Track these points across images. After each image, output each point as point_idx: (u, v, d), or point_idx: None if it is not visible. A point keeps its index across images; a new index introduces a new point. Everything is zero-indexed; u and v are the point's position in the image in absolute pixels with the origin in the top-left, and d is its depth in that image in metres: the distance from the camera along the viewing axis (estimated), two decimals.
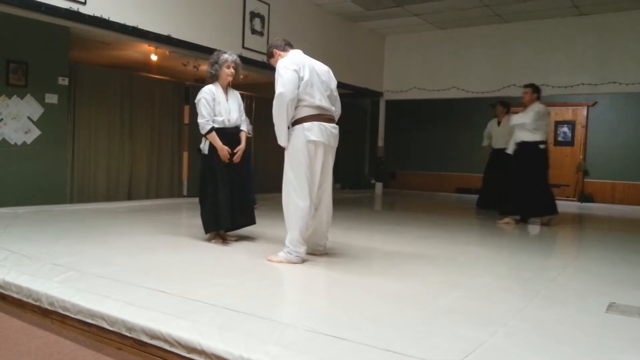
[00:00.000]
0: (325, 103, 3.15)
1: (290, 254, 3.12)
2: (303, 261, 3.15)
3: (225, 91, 3.71)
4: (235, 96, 3.78)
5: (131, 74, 6.99)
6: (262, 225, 4.52)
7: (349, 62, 8.39)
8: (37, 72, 5.48)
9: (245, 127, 3.81)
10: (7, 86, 5.25)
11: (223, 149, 3.58)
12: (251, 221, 3.86)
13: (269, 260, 3.19)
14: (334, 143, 3.23)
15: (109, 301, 2.15)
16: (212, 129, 3.58)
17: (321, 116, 3.12)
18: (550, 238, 4.63)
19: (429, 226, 5.40)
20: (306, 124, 3.07)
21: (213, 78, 3.69)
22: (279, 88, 3.03)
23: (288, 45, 3.31)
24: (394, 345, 1.76)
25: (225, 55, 3.65)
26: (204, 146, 3.68)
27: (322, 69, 3.25)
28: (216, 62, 3.65)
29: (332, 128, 3.19)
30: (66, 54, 5.79)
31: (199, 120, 3.61)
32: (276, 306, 2.36)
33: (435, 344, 1.82)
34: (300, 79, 3.05)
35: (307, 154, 3.07)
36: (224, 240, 3.75)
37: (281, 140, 3.12)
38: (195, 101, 3.67)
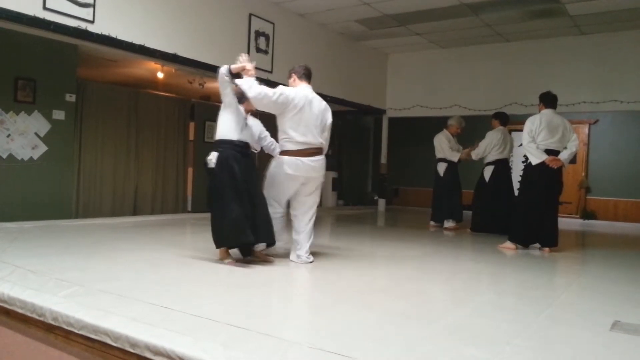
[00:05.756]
0: (311, 138, 3.54)
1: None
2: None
3: (246, 115, 3.65)
4: (254, 122, 3.77)
5: (137, 91, 7.09)
6: None
7: (352, 80, 8.48)
8: (45, 89, 5.56)
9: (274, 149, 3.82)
10: (15, 102, 5.33)
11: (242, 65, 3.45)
12: (270, 240, 3.57)
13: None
14: (315, 173, 3.61)
15: (113, 317, 2.15)
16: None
17: (303, 151, 3.52)
18: (553, 256, 4.62)
19: (432, 243, 5.40)
20: (286, 158, 3.53)
21: (240, 100, 3.57)
22: (274, 94, 3.41)
23: (305, 76, 3.69)
24: None
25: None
26: (212, 159, 3.45)
27: (320, 107, 3.62)
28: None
29: (311, 162, 3.56)
30: (74, 71, 5.88)
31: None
32: (280, 323, 2.35)
33: None
34: (290, 107, 3.47)
35: (282, 182, 3.60)
36: (255, 258, 3.59)
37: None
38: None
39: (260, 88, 3.39)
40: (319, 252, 4.03)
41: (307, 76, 3.68)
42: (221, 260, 3.54)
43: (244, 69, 3.47)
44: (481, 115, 8.31)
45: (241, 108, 3.61)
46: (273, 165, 3.65)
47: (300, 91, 3.56)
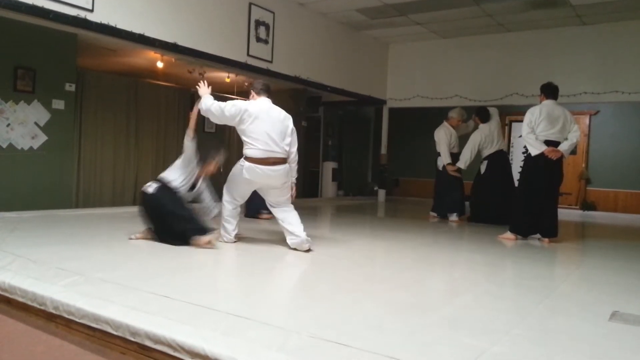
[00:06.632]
0: (274, 146, 3.70)
1: (223, 236, 3.92)
2: (235, 241, 3.92)
3: (200, 178, 3.98)
4: (204, 188, 4.04)
5: (137, 80, 7.06)
6: (266, 232, 4.55)
7: (353, 70, 8.44)
8: (44, 79, 5.53)
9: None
10: (14, 92, 5.31)
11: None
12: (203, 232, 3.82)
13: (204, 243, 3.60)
14: (272, 181, 3.75)
15: (114, 306, 2.16)
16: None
17: (263, 160, 3.68)
18: (552, 246, 4.63)
19: (432, 233, 5.41)
20: (246, 164, 3.71)
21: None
22: (225, 105, 3.69)
23: (263, 91, 3.88)
24: (397, 353, 1.77)
25: (221, 157, 4.04)
26: (153, 186, 3.79)
27: (280, 117, 3.80)
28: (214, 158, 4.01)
29: (270, 171, 3.70)
30: (73, 61, 5.85)
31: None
32: (280, 312, 2.37)
33: (438, 352, 1.83)
34: (245, 117, 3.68)
35: (240, 184, 3.83)
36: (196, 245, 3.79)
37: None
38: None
39: (212, 101, 3.73)
40: (319, 242, 4.04)
41: (265, 91, 3.89)
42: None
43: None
44: (482, 105, 8.27)
45: (196, 171, 3.92)
46: (237, 165, 3.83)
47: (254, 103, 3.79)
